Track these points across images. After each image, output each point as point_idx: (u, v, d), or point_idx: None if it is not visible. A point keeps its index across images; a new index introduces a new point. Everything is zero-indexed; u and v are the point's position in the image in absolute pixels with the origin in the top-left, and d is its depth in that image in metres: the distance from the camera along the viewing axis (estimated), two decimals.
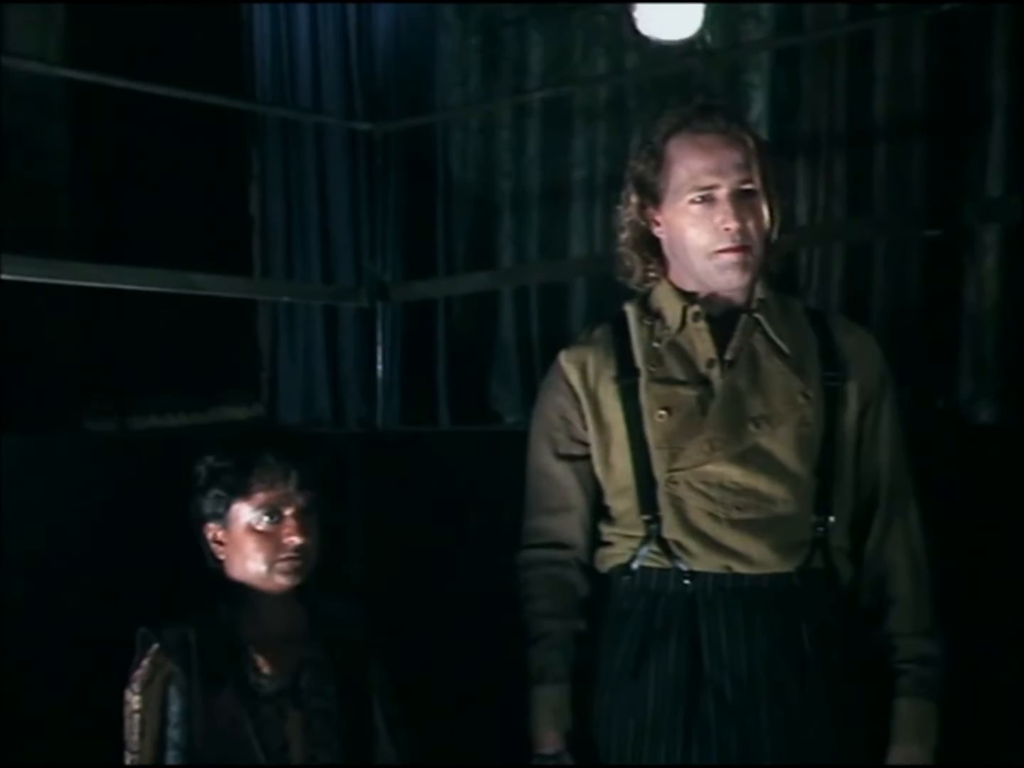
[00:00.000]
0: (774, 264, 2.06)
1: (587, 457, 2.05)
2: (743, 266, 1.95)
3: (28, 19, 4.78)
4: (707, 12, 3.69)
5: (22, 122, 4.65)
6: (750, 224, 1.95)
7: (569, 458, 2.06)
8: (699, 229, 1.95)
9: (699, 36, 3.73)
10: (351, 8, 4.50)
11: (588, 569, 2.08)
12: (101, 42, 4.82)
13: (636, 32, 3.76)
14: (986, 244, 3.35)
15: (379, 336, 4.31)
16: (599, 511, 2.07)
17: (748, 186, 1.95)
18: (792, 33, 3.82)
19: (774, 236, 1.99)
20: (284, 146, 4.57)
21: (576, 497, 2.06)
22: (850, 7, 3.68)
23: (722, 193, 1.94)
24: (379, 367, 4.31)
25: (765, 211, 1.97)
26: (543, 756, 2.01)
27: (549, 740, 2.01)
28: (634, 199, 2.04)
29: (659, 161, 1.99)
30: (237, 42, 4.64)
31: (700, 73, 3.86)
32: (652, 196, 2.01)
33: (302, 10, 4.53)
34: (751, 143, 1.97)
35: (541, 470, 2.09)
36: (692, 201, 1.95)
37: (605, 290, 3.69)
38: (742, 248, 1.94)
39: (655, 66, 3.99)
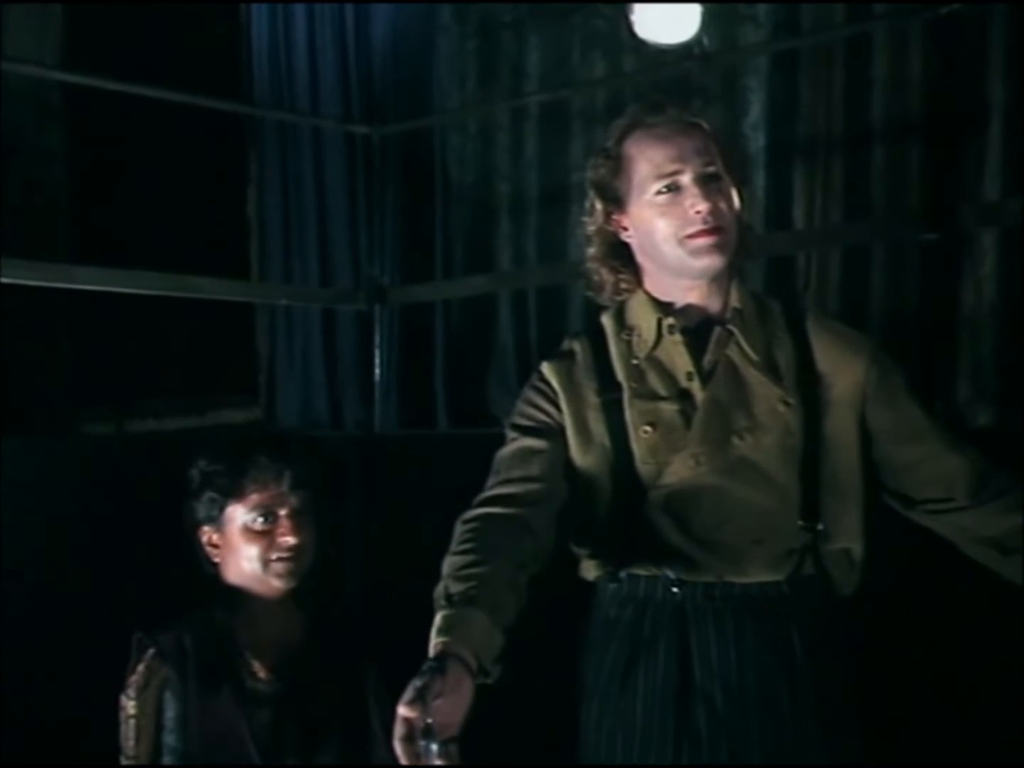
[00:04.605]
0: (745, 261, 2.03)
1: (559, 438, 1.95)
2: (719, 248, 1.90)
3: (26, 21, 4.78)
4: (705, 15, 3.68)
5: (20, 125, 4.66)
6: (721, 205, 1.91)
7: (537, 432, 1.95)
8: (668, 218, 1.91)
9: (697, 39, 3.72)
10: (349, 11, 4.50)
11: (539, 536, 1.83)
12: (99, 44, 4.83)
13: (634, 35, 3.75)
14: (984, 247, 3.34)
15: (377, 339, 4.32)
16: (571, 496, 1.93)
17: (711, 169, 1.92)
18: (789, 36, 3.81)
19: (743, 220, 1.96)
20: (282, 149, 4.57)
21: (538, 468, 1.90)
22: (848, 10, 3.68)
23: (687, 179, 1.91)
24: (377, 370, 4.31)
25: (733, 194, 1.94)
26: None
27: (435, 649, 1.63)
28: (599, 206, 2.00)
29: (618, 163, 1.97)
30: (235, 45, 4.64)
31: (698, 76, 3.86)
32: (616, 200, 1.98)
33: (300, 13, 4.54)
34: (707, 128, 1.96)
35: (504, 450, 1.95)
36: (658, 192, 1.92)
37: None
38: (715, 230, 1.90)
39: (653, 69, 3.98)
